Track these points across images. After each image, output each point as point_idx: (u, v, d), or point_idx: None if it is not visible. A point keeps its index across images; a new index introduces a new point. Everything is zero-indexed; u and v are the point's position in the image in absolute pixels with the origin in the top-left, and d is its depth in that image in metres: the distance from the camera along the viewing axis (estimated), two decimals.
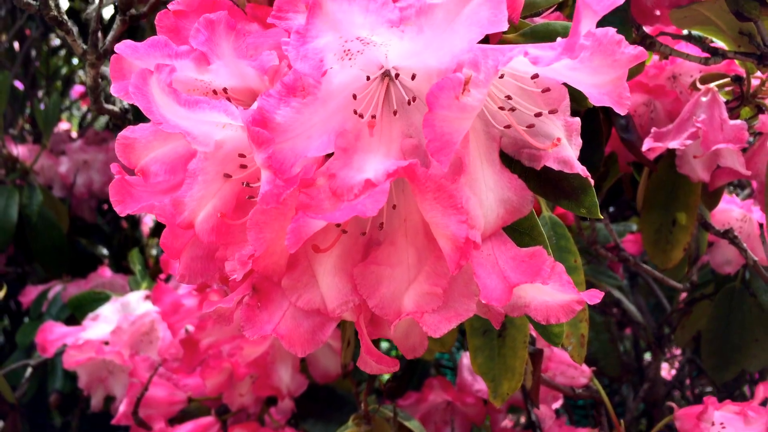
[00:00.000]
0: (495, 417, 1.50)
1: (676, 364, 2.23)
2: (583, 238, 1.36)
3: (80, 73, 2.96)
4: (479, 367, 0.86)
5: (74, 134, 3.52)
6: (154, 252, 2.58)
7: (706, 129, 1.03)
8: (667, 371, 2.38)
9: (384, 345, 2.03)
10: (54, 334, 1.42)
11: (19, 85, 2.53)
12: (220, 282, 0.61)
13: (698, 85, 1.08)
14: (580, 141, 0.56)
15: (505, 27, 0.47)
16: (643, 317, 1.87)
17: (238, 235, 0.58)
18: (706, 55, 1.04)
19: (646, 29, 1.08)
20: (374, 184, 0.48)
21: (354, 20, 0.49)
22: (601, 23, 0.49)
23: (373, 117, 0.53)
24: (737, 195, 1.59)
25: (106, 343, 1.37)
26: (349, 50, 0.52)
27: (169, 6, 0.67)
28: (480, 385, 1.41)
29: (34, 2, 0.90)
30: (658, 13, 1.04)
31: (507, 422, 1.72)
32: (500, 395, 0.84)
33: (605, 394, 1.19)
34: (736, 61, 1.08)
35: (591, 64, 0.50)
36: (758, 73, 1.08)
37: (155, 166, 0.62)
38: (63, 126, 3.79)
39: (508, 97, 0.54)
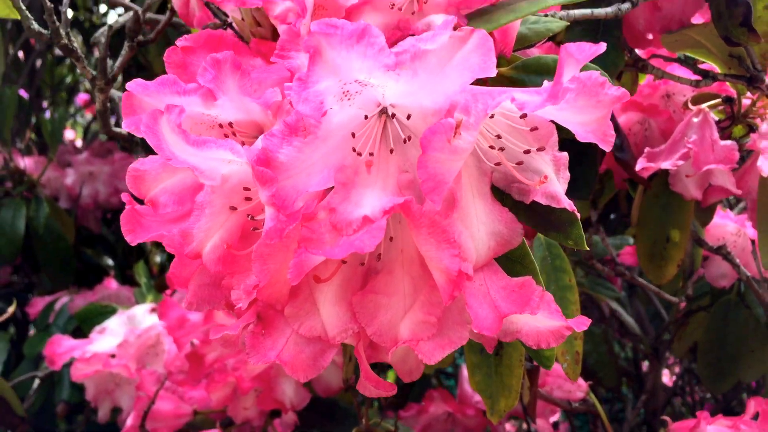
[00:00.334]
0: (495, 428, 1.52)
1: (677, 370, 2.25)
2: (580, 252, 1.38)
3: (85, 81, 3.00)
4: (477, 384, 0.88)
5: (79, 142, 3.56)
6: (158, 259, 2.61)
7: (697, 150, 1.05)
8: (668, 377, 2.40)
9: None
10: (62, 347, 1.45)
11: (23, 93, 2.56)
12: (226, 308, 0.64)
13: (690, 105, 1.11)
14: (568, 174, 0.59)
15: (493, 73, 0.50)
16: (643, 325, 1.89)
17: (243, 265, 0.60)
18: (698, 77, 1.06)
19: (639, 52, 1.11)
20: (372, 220, 0.51)
21: (352, 65, 0.52)
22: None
23: (371, 155, 0.55)
24: (731, 210, 1.61)
25: (113, 356, 1.40)
26: (348, 91, 0.54)
27: (177, 42, 0.70)
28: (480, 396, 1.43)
29: (45, 31, 0.93)
30: (650, 36, 1.07)
31: (510, 427, 1.74)
32: (497, 412, 0.87)
33: (601, 407, 1.21)
34: (727, 82, 1.11)
35: (576, 104, 0.53)
36: (749, 94, 1.11)
37: (164, 197, 0.65)
38: (68, 134, 3.83)
39: (498, 136, 0.57)
